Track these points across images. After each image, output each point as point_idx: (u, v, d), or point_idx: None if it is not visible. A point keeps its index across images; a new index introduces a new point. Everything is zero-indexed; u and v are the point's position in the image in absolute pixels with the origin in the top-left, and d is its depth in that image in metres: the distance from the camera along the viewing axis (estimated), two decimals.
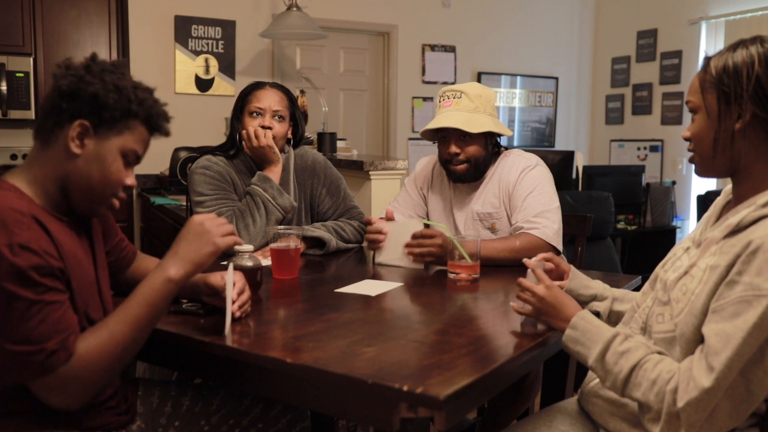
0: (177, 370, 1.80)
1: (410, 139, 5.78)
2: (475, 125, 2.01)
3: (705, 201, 4.58)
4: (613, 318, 1.48)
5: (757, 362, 1.05)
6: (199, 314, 1.42)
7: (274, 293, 1.67)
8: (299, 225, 2.25)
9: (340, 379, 1.10)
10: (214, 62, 4.86)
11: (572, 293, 1.49)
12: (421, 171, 2.31)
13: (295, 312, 1.55)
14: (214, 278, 1.41)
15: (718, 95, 1.17)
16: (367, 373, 1.08)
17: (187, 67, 4.77)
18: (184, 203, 3.09)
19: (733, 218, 1.15)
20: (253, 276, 1.55)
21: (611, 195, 4.10)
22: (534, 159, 2.13)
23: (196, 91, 4.81)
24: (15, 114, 4.16)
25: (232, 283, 1.34)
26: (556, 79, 6.57)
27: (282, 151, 2.23)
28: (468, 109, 2.04)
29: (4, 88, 4.12)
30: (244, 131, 2.15)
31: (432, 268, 1.97)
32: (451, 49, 5.92)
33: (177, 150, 4.27)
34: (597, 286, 1.52)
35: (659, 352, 1.16)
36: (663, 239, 5.00)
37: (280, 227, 1.92)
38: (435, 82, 5.85)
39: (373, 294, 1.64)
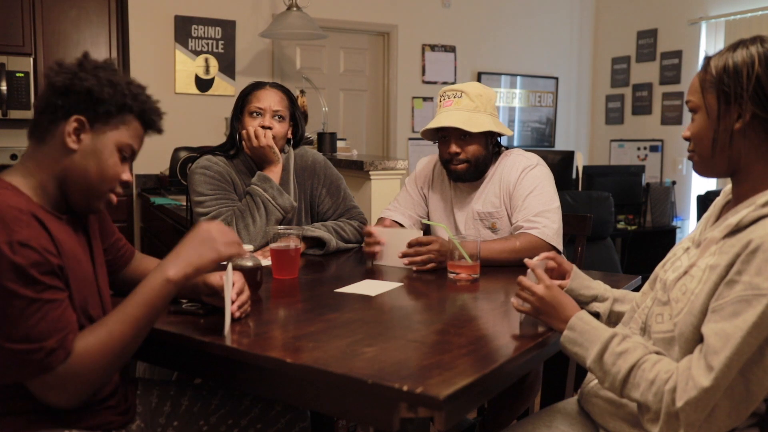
0: (177, 370, 1.80)
1: (410, 139, 5.78)
2: (475, 125, 2.01)
3: (705, 201, 4.58)
4: (613, 318, 1.48)
5: (756, 362, 1.05)
6: (199, 314, 1.42)
7: (274, 293, 1.67)
8: (299, 225, 2.25)
9: (340, 379, 1.10)
10: (214, 62, 4.86)
11: (573, 293, 1.49)
12: (422, 171, 2.31)
13: (295, 312, 1.55)
14: (214, 278, 1.41)
15: (718, 95, 1.17)
16: (367, 373, 1.08)
17: (187, 67, 4.78)
18: (184, 203, 3.09)
19: (733, 218, 1.15)
20: (253, 276, 1.55)
21: (611, 195, 4.10)
22: (535, 159, 2.13)
23: (196, 91, 4.81)
24: (15, 114, 4.16)
25: (231, 283, 1.34)
26: (556, 79, 6.57)
27: (282, 151, 2.23)
28: (468, 109, 2.04)
29: (4, 88, 4.12)
30: (244, 131, 2.15)
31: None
32: (451, 49, 5.92)
33: (177, 150, 4.27)
34: (598, 286, 1.52)
35: (657, 352, 1.16)
36: (663, 239, 5.00)
37: (280, 227, 1.92)
38: (435, 82, 5.85)
39: (373, 294, 1.64)
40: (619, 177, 4.88)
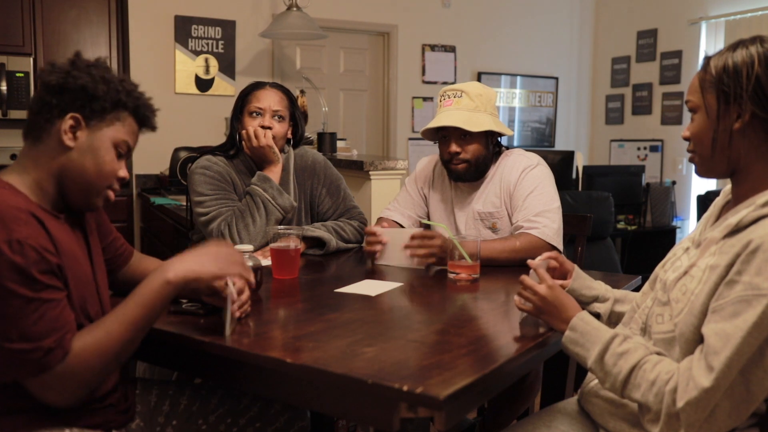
0: (177, 370, 1.80)
1: (410, 139, 5.78)
2: (475, 124, 2.01)
3: (705, 201, 4.58)
4: (614, 319, 1.48)
5: (756, 362, 1.05)
6: (199, 314, 1.42)
7: (274, 293, 1.67)
8: (299, 225, 2.25)
9: (340, 379, 1.10)
10: (214, 62, 4.86)
11: (574, 293, 1.49)
12: (422, 171, 2.31)
13: (295, 312, 1.55)
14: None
15: (718, 95, 1.17)
16: (367, 373, 1.08)
17: (187, 67, 4.77)
18: (184, 203, 3.09)
19: (733, 218, 1.15)
20: (252, 276, 1.55)
21: (611, 195, 4.10)
22: (535, 158, 2.13)
23: (196, 91, 4.81)
24: (15, 114, 4.16)
25: (232, 283, 1.34)
26: (556, 79, 6.57)
27: (282, 151, 2.23)
28: (468, 108, 2.04)
29: (4, 88, 4.12)
30: (243, 131, 2.15)
31: (432, 268, 1.97)
32: (451, 49, 5.92)
33: (177, 150, 4.27)
34: (599, 287, 1.52)
35: (658, 353, 1.16)
36: (663, 239, 5.00)
37: (280, 227, 1.92)
38: (435, 82, 5.85)
39: (373, 294, 1.64)
40: (619, 177, 4.88)
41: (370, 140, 5.72)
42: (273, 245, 1.80)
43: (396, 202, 2.31)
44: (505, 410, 2.07)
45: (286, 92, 2.23)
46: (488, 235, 2.11)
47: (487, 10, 6.05)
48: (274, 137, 2.14)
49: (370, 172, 3.09)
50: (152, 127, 1.34)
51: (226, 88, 4.88)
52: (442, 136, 2.11)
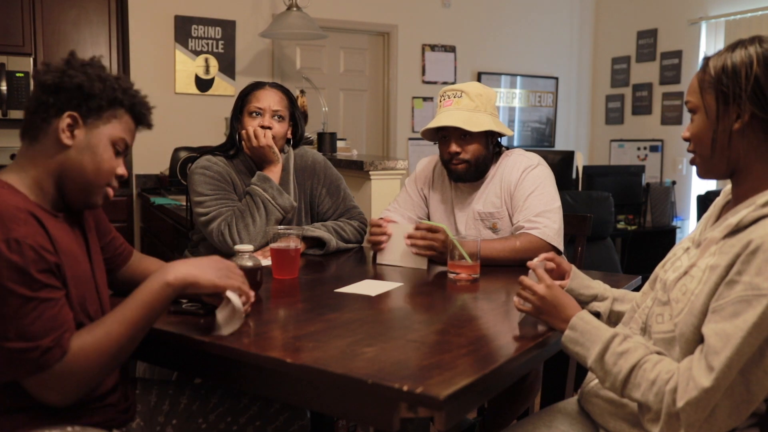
0: (177, 370, 1.80)
1: (410, 139, 5.78)
2: (475, 124, 2.02)
3: (705, 201, 4.58)
4: (613, 318, 1.48)
5: (756, 362, 1.05)
6: (199, 314, 1.42)
7: (274, 293, 1.67)
8: (299, 225, 2.25)
9: (340, 379, 1.10)
10: (214, 62, 4.86)
11: (573, 293, 1.49)
12: (422, 171, 2.31)
13: (295, 312, 1.55)
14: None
15: (717, 95, 1.17)
16: (367, 373, 1.08)
17: (187, 67, 4.77)
18: (184, 203, 3.09)
19: (733, 218, 1.15)
20: (253, 276, 1.55)
21: (611, 195, 4.10)
22: (536, 159, 2.13)
23: (196, 91, 4.81)
24: (15, 114, 4.17)
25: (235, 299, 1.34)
26: (556, 79, 6.57)
27: (282, 151, 2.23)
28: (468, 108, 2.04)
29: (4, 88, 4.12)
30: (243, 131, 2.15)
31: (432, 268, 1.97)
32: (451, 49, 5.92)
33: (177, 150, 4.27)
34: (598, 286, 1.52)
35: (658, 353, 1.16)
36: (663, 239, 5.00)
37: (280, 227, 1.92)
38: (435, 82, 5.85)
39: (373, 294, 1.64)
40: (619, 177, 4.88)
41: (370, 140, 5.72)
42: (273, 245, 1.80)
43: (396, 202, 2.31)
44: (505, 410, 2.07)
45: (285, 92, 2.23)
46: (489, 235, 2.11)
47: (487, 10, 6.05)
48: (273, 137, 2.14)
49: (370, 172, 3.09)
50: (148, 125, 1.35)
51: (226, 88, 4.88)
52: (442, 136, 2.11)
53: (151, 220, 4.08)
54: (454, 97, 2.06)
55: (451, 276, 1.79)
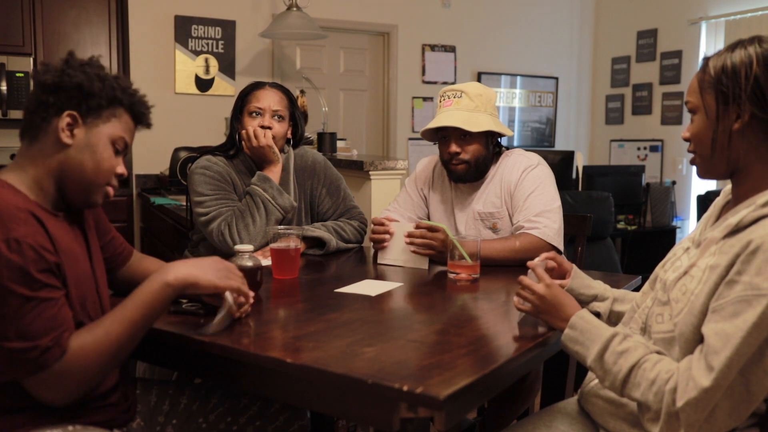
0: (177, 370, 1.80)
1: (410, 139, 5.78)
2: (475, 124, 2.02)
3: (705, 201, 4.58)
4: (614, 318, 1.48)
5: (756, 362, 1.05)
6: (199, 314, 1.42)
7: (274, 293, 1.67)
8: (299, 225, 2.25)
9: (340, 379, 1.10)
10: (214, 62, 4.86)
11: (573, 292, 1.49)
12: (422, 171, 2.31)
13: (295, 312, 1.55)
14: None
15: (717, 95, 1.17)
16: (367, 373, 1.08)
17: (187, 67, 4.77)
18: (184, 203, 3.09)
19: (733, 218, 1.15)
20: (253, 276, 1.55)
21: (611, 195, 4.10)
22: (536, 158, 2.13)
23: (196, 91, 4.81)
24: (15, 114, 4.17)
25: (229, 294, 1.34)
26: (556, 79, 6.57)
27: (282, 151, 2.23)
28: (468, 109, 2.04)
29: (4, 88, 4.12)
30: (243, 131, 2.15)
31: (432, 268, 1.97)
32: (451, 49, 5.92)
33: (177, 150, 4.27)
34: (598, 286, 1.52)
35: (658, 352, 1.16)
36: (663, 239, 5.00)
37: (280, 227, 1.92)
38: (435, 82, 5.85)
39: (373, 294, 1.64)
40: (619, 177, 4.88)
41: (370, 140, 5.72)
42: (273, 245, 1.80)
43: (396, 202, 2.31)
44: (505, 410, 2.07)
45: (285, 92, 2.24)
46: (489, 235, 2.11)
47: (487, 10, 6.05)
48: (273, 137, 2.14)
49: (370, 172, 3.08)
50: (147, 124, 1.35)
51: (226, 88, 4.88)
52: (442, 136, 2.11)
53: (151, 220, 4.08)
54: (454, 97, 2.06)
55: (451, 276, 1.79)
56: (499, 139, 2.16)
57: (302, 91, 3.97)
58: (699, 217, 4.66)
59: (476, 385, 1.08)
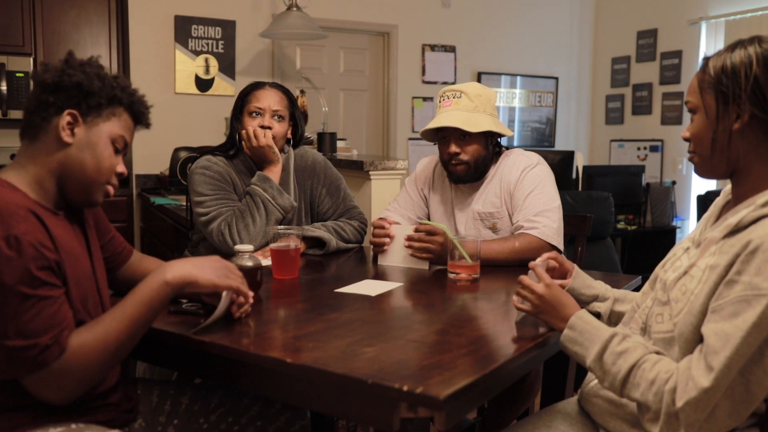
0: (177, 370, 1.81)
1: (410, 139, 5.78)
2: (474, 125, 2.01)
3: (705, 201, 4.58)
4: (614, 318, 1.48)
5: (756, 362, 1.05)
6: (199, 314, 1.42)
7: (274, 293, 1.67)
8: (299, 225, 2.25)
9: (340, 379, 1.10)
10: (214, 62, 4.86)
11: (574, 292, 1.49)
12: (422, 171, 2.31)
13: (295, 312, 1.55)
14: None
15: (717, 95, 1.17)
16: (367, 373, 1.08)
17: (187, 67, 4.77)
18: (184, 203, 3.09)
19: (733, 218, 1.15)
20: (253, 276, 1.55)
21: (611, 195, 4.10)
22: (535, 158, 2.13)
23: (196, 91, 4.81)
24: (15, 114, 4.17)
25: (229, 295, 1.34)
26: (556, 79, 6.57)
27: (282, 151, 2.23)
28: (468, 109, 2.04)
29: (4, 88, 4.12)
30: (243, 131, 2.15)
31: (432, 268, 1.97)
32: (451, 49, 5.92)
33: (177, 150, 4.27)
34: (599, 286, 1.52)
35: (657, 352, 1.16)
36: (663, 239, 5.00)
37: (280, 227, 1.92)
38: (435, 82, 5.85)
39: (373, 294, 1.64)
40: (619, 177, 4.88)
41: (370, 140, 5.72)
42: (273, 245, 1.80)
43: (396, 202, 2.31)
44: (505, 410, 2.07)
45: (285, 92, 2.24)
46: (488, 235, 2.11)
47: (487, 10, 6.05)
48: (273, 137, 2.14)
49: (370, 172, 3.09)
50: (146, 124, 1.36)
51: (226, 88, 4.88)
52: (442, 137, 2.11)
53: (151, 220, 4.08)
54: (454, 97, 2.06)
55: (451, 276, 1.79)
56: (498, 139, 2.16)
57: (302, 91, 3.98)
58: (699, 217, 4.66)
59: (476, 385, 1.08)
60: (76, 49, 1.32)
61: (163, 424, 1.43)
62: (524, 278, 1.37)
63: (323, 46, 5.37)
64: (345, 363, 1.14)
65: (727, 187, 1.28)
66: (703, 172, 1.24)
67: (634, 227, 4.90)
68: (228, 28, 4.88)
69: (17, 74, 4.16)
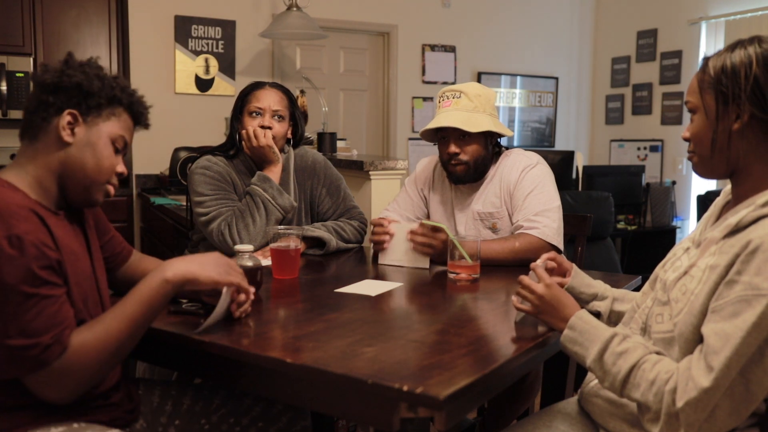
0: (177, 370, 1.81)
1: (410, 139, 5.78)
2: (474, 125, 2.01)
3: (705, 201, 4.58)
4: (614, 318, 1.48)
5: (756, 362, 1.05)
6: (199, 314, 1.42)
7: (274, 293, 1.67)
8: (299, 225, 2.25)
9: (340, 379, 1.10)
10: (214, 62, 4.86)
11: (574, 291, 1.49)
12: (422, 172, 2.31)
13: (295, 312, 1.55)
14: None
15: (716, 96, 1.17)
16: (367, 373, 1.08)
17: (187, 67, 4.77)
18: (184, 203, 3.09)
19: (733, 218, 1.15)
20: (253, 276, 1.55)
21: (611, 195, 4.10)
22: (535, 158, 2.13)
23: (196, 91, 4.81)
24: (15, 114, 4.17)
25: (229, 292, 1.34)
26: (556, 79, 6.57)
27: (282, 151, 2.23)
28: (467, 109, 2.04)
29: (4, 88, 4.12)
30: (243, 131, 2.15)
31: (432, 268, 1.97)
32: (451, 49, 5.92)
33: (177, 150, 4.27)
34: (598, 285, 1.52)
35: (658, 353, 1.16)
36: (663, 239, 5.00)
37: (280, 227, 1.92)
38: (435, 82, 5.85)
39: (373, 294, 1.64)
40: (619, 177, 4.88)
41: (370, 140, 5.72)
42: (273, 245, 1.80)
43: (395, 203, 2.31)
44: (505, 410, 2.07)
45: (285, 92, 2.24)
46: (488, 235, 2.11)
47: (487, 10, 6.05)
48: (273, 137, 2.14)
49: (370, 172, 3.09)
50: (145, 125, 1.36)
51: (226, 88, 4.88)
52: (441, 137, 2.11)
53: (151, 220, 4.08)
54: (453, 97, 2.06)
55: (451, 276, 1.79)
56: (498, 140, 2.16)
57: (302, 91, 3.98)
58: (699, 217, 4.66)
59: (476, 385, 1.08)
60: (76, 49, 1.32)
61: (165, 424, 1.43)
62: (524, 278, 1.37)
63: (323, 46, 5.37)
64: (345, 363, 1.14)
65: (727, 187, 1.28)
66: (703, 173, 1.24)
67: (634, 227, 4.90)
68: (228, 28, 4.88)
69: (17, 74, 4.16)
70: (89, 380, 1.17)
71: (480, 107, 2.04)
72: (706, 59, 1.20)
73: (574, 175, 4.51)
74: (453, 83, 5.75)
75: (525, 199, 2.04)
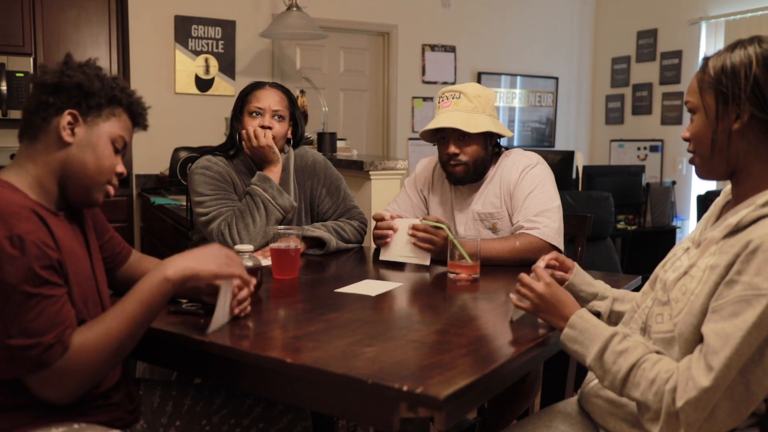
0: (177, 370, 1.81)
1: (410, 139, 5.78)
2: (473, 125, 2.01)
3: (705, 201, 4.58)
4: (614, 318, 1.48)
5: (756, 362, 1.05)
6: (199, 314, 1.42)
7: (274, 293, 1.67)
8: (299, 225, 2.25)
9: (340, 379, 1.10)
10: (214, 62, 4.86)
11: (575, 289, 1.49)
12: (422, 172, 2.31)
13: (295, 312, 1.55)
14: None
15: (716, 96, 1.17)
16: (367, 373, 1.08)
17: (187, 67, 4.77)
18: (184, 203, 3.09)
19: (733, 218, 1.15)
20: (253, 276, 1.55)
21: (611, 195, 4.10)
22: (535, 158, 2.13)
23: (196, 91, 4.81)
24: (15, 114, 4.17)
25: (229, 291, 1.34)
26: (556, 79, 6.57)
27: (282, 151, 2.23)
28: (467, 110, 2.04)
29: (4, 88, 4.12)
30: (243, 131, 2.15)
31: (433, 268, 1.97)
32: (451, 49, 5.92)
33: (177, 150, 4.27)
34: (599, 285, 1.52)
35: (658, 352, 1.16)
36: (663, 239, 5.00)
37: (280, 227, 1.92)
38: (435, 82, 5.85)
39: (373, 294, 1.64)
40: (619, 177, 4.88)
41: (370, 140, 5.72)
42: (273, 245, 1.80)
43: (395, 203, 2.31)
44: (505, 410, 2.07)
45: (285, 92, 2.23)
46: (488, 235, 2.11)
47: (487, 10, 6.05)
48: (274, 137, 2.14)
49: (370, 172, 3.09)
50: (144, 126, 1.36)
51: (226, 88, 4.88)
52: (441, 137, 2.11)
53: (151, 220, 4.08)
54: (453, 98, 2.06)
55: (451, 276, 1.79)
56: (498, 140, 2.16)
57: (302, 91, 3.98)
58: (699, 217, 4.66)
59: (476, 385, 1.08)
60: (75, 49, 1.33)
61: (165, 425, 1.43)
62: (524, 276, 1.37)
63: (323, 46, 5.37)
64: (345, 363, 1.14)
65: (727, 187, 1.28)
66: (704, 173, 1.24)
67: (634, 227, 4.90)
68: (228, 28, 4.88)
69: (17, 74, 4.16)
70: (90, 380, 1.17)
71: (479, 108, 2.04)
72: (706, 59, 1.20)
73: (574, 175, 4.51)
74: (453, 83, 5.76)
75: (525, 199, 2.04)
